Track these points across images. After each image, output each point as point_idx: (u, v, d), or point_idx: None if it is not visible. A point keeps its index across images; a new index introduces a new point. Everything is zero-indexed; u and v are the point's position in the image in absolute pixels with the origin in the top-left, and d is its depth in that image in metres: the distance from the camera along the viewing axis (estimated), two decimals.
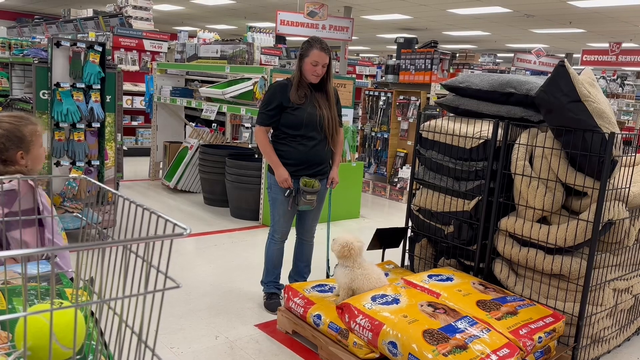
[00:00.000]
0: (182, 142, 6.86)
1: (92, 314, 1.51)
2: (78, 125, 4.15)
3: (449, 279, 3.16)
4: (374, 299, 2.82)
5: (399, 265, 3.80)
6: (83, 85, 4.13)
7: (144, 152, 8.60)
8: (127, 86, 8.98)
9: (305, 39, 3.33)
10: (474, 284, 3.10)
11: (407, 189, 6.65)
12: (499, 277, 3.24)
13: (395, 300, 2.81)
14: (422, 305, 2.77)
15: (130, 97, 8.99)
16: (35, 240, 1.90)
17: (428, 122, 3.66)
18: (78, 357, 1.16)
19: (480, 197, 3.26)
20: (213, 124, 7.56)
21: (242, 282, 3.91)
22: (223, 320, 3.28)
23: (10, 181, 1.81)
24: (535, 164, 3.06)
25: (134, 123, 9.11)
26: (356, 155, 6.10)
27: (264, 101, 3.30)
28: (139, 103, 9.06)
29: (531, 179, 3.04)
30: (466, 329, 2.61)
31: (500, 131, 3.20)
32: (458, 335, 2.54)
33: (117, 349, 1.04)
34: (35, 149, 1.97)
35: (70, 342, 0.92)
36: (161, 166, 7.18)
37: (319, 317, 2.94)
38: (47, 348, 0.92)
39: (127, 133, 9.05)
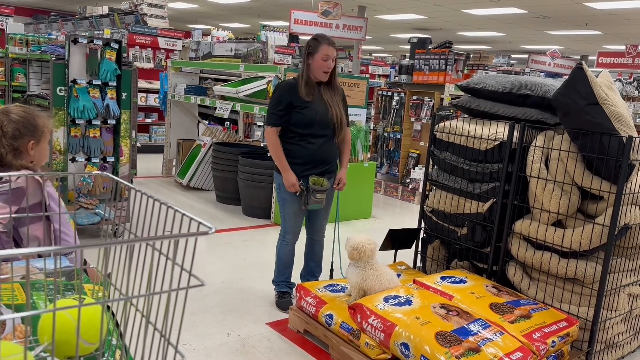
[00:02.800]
0: (195, 140, 6.89)
1: (108, 308, 1.53)
2: (94, 122, 4.19)
3: (462, 281, 3.14)
4: (386, 299, 2.82)
5: (411, 267, 3.79)
6: (99, 82, 4.16)
7: (158, 149, 8.65)
8: (142, 83, 9.03)
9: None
10: (487, 286, 3.09)
11: (419, 190, 6.63)
12: (513, 280, 3.22)
13: (408, 302, 2.80)
14: (434, 307, 2.76)
15: (144, 95, 9.05)
16: (44, 233, 1.92)
17: (442, 123, 3.65)
18: (96, 352, 1.17)
19: (494, 199, 3.25)
20: (226, 122, 7.59)
21: (253, 280, 3.92)
22: (235, 318, 3.29)
23: (18, 179, 1.83)
24: (551, 166, 3.04)
25: (148, 120, 9.16)
26: (368, 156, 6.09)
27: (273, 101, 3.27)
28: (152, 100, 9.11)
29: (547, 182, 3.01)
30: (479, 331, 2.60)
31: (516, 133, 3.18)
32: (471, 338, 2.53)
33: (141, 346, 1.05)
34: (44, 142, 1.98)
35: (91, 337, 0.93)
36: (174, 163, 7.21)
37: (330, 316, 2.94)
38: (69, 342, 0.93)
39: (141, 130, 9.10)
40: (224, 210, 5.81)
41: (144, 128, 9.13)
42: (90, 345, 0.95)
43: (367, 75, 6.18)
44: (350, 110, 5.89)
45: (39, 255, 1.97)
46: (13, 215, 1.84)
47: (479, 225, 3.37)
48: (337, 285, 3.29)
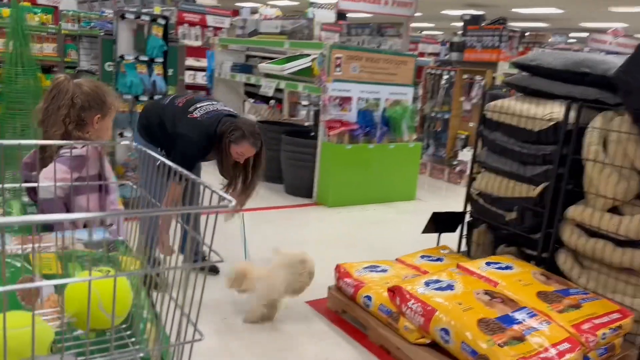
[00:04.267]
0: None
1: (145, 283, 1.52)
2: (141, 98, 4.24)
3: (508, 267, 3.02)
4: (427, 283, 2.74)
5: (455, 251, 3.67)
6: (146, 58, 4.20)
7: None
8: (190, 61, 9.10)
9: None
10: (535, 274, 2.95)
11: (467, 173, 6.43)
12: (563, 268, 3.07)
13: (450, 286, 2.71)
14: (478, 293, 2.66)
15: (192, 73, 9.13)
16: (97, 207, 1.94)
17: (494, 102, 3.49)
18: (124, 325, 1.16)
19: (547, 184, 3.09)
20: (271, 101, 7.57)
21: None
22: None
23: (83, 147, 1.85)
24: (610, 149, 2.85)
25: None
26: (414, 136, 5.95)
27: (190, 152, 3.01)
28: (200, 78, 9.18)
29: (604, 166, 2.83)
30: (524, 320, 2.49)
31: (572, 113, 2.99)
32: (515, 327, 2.42)
33: (164, 319, 1.02)
34: (109, 119, 2.00)
35: (116, 310, 0.91)
36: None
37: (369, 298, 2.89)
38: (92, 314, 0.91)
39: None
40: (266, 189, 5.81)
41: None
42: (113, 318, 0.93)
43: (416, 53, 5.99)
44: (396, 89, 5.78)
45: (85, 226, 2.00)
46: (74, 184, 1.86)
47: (529, 210, 3.21)
48: (378, 266, 3.22)
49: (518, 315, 2.51)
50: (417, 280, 2.79)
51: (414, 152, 5.86)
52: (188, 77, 9.08)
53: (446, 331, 2.47)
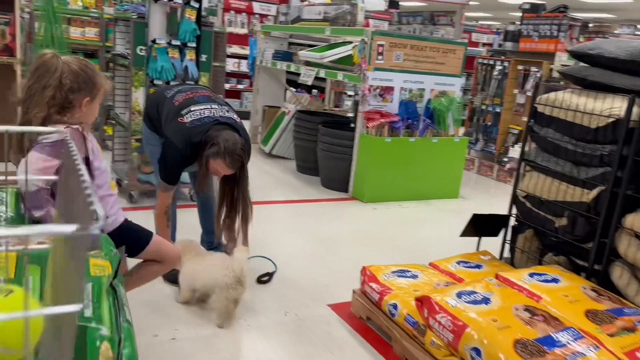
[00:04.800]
0: (280, 107, 6.74)
1: (113, 288, 1.34)
2: (172, 83, 4.11)
3: (554, 280, 2.69)
4: (459, 295, 2.46)
5: (497, 257, 3.36)
6: (179, 43, 4.06)
7: (248, 115, 8.64)
8: (235, 49, 9.04)
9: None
10: (584, 288, 2.62)
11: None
12: (617, 284, 2.72)
13: (485, 300, 2.43)
14: (517, 309, 2.37)
15: (237, 61, 9.05)
16: None
17: (546, 95, 3.14)
18: None
19: (603, 187, 2.73)
20: (313, 90, 7.35)
21: (321, 256, 3.70)
22: (295, 296, 3.09)
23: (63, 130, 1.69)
24: None
25: (240, 86, 9.17)
26: (462, 130, 5.59)
27: (172, 159, 2.75)
28: (245, 67, 9.09)
29: None
30: (569, 343, 2.18)
31: (635, 109, 2.63)
32: (558, 350, 2.12)
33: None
34: (97, 101, 1.85)
35: (12, 343, 0.72)
36: (260, 130, 7.14)
37: (394, 306, 2.64)
38: None
39: (232, 96, 9.15)
40: (302, 181, 5.62)
41: (235, 94, 9.17)
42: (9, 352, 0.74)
43: (466, 41, 5.61)
44: (443, 79, 5.44)
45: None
46: (50, 178, 1.71)
47: (581, 216, 2.87)
48: (408, 271, 2.96)
49: (562, 337, 2.20)
50: (448, 291, 2.52)
51: (460, 147, 5.51)
52: (232, 65, 9.02)
53: (477, 351, 2.19)
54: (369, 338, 2.73)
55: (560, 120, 3.00)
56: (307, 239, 4.01)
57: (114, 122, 4.59)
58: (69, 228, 0.58)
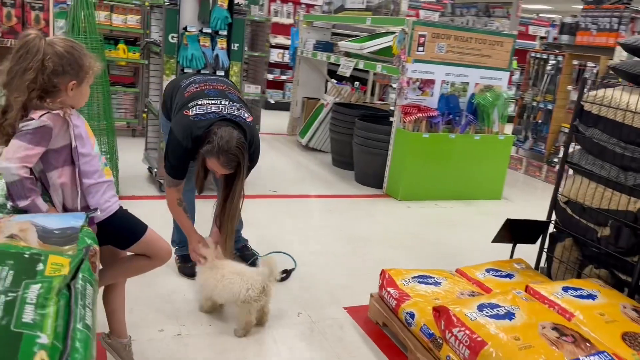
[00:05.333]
0: (320, 99, 6.60)
1: (69, 287, 1.25)
2: (203, 72, 4.05)
3: (591, 296, 2.44)
4: (481, 308, 2.26)
5: (532, 267, 3.10)
6: (210, 31, 3.99)
7: (289, 106, 8.56)
8: (280, 39, 8.96)
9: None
10: (624, 307, 2.35)
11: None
12: None
13: (509, 315, 2.21)
14: (543, 327, 2.14)
15: (282, 51, 8.97)
16: (71, 180, 1.72)
17: (594, 92, 2.86)
18: None
19: None
20: (355, 82, 7.16)
21: (344, 255, 3.55)
22: (312, 296, 2.96)
23: (41, 116, 1.62)
24: None
25: (283, 77, 9.09)
26: (511, 127, 5.28)
27: (173, 152, 2.63)
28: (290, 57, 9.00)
29: None
30: None
31: None
32: None
33: None
34: (87, 84, 1.75)
35: None
36: (300, 122, 7.03)
37: (412, 315, 2.46)
38: None
39: (275, 87, 9.09)
40: (336, 175, 5.47)
41: (278, 85, 9.10)
42: None
43: (516, 33, 5.26)
44: (490, 73, 5.14)
45: (66, 209, 1.78)
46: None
47: (626, 226, 2.59)
48: (430, 277, 2.77)
49: None
50: (469, 302, 2.31)
51: (505, 145, 5.20)
52: (277, 56, 8.95)
53: None
54: (383, 346, 2.57)
55: (608, 120, 2.72)
56: (333, 237, 3.87)
57: (146, 109, 4.58)
58: None
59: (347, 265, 3.41)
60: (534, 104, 6.54)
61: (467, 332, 2.14)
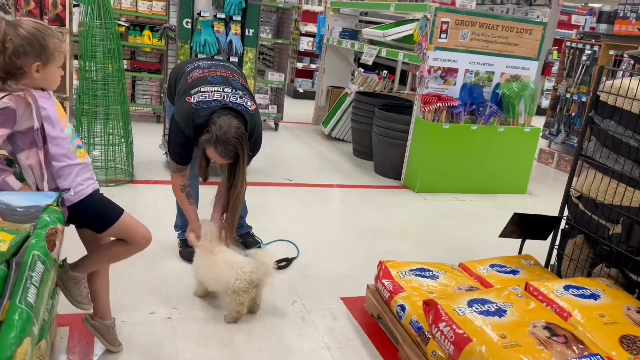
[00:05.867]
0: (344, 88, 6.52)
1: (8, 264, 1.25)
2: (216, 57, 4.05)
3: (593, 295, 2.31)
4: (471, 303, 2.17)
5: (542, 264, 2.97)
6: (224, 16, 3.98)
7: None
8: (311, 27, 8.90)
9: None
10: (628, 309, 2.22)
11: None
12: None
13: (500, 312, 2.12)
14: (534, 326, 2.04)
15: (312, 39, 8.91)
16: (38, 163, 1.72)
17: (611, 81, 2.70)
18: None
19: None
20: (383, 71, 7.04)
21: (351, 246, 3.49)
22: (309, 285, 2.92)
23: (1, 98, 1.63)
24: None
25: (313, 66, 9.04)
26: (542, 120, 5.07)
27: (174, 139, 2.60)
28: None
29: None
30: None
31: None
32: None
33: None
34: (54, 65, 1.74)
35: None
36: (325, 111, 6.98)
37: (402, 308, 2.40)
38: None
39: (304, 75, 9.06)
40: (356, 165, 5.40)
41: (308, 73, 9.06)
42: None
43: (545, 21, 5.03)
44: (517, 62, 4.95)
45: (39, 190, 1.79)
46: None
47: (638, 224, 2.44)
48: (429, 270, 2.68)
49: None
50: (459, 297, 2.23)
51: (531, 138, 5.00)
52: (307, 44, 8.90)
53: None
54: (375, 339, 2.51)
55: (624, 111, 2.56)
56: (342, 227, 3.82)
57: (163, 95, 4.63)
58: None
59: (352, 256, 3.35)
60: (568, 95, 6.27)
61: (454, 327, 2.06)
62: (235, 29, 4.02)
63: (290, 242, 3.33)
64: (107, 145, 3.94)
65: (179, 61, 4.08)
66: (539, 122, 6.53)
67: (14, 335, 1.13)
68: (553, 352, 1.90)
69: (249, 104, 2.59)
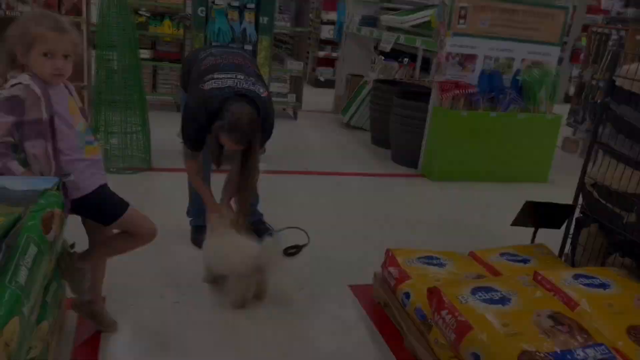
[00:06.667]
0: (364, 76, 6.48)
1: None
2: (230, 45, 4.07)
3: (603, 285, 2.26)
4: (474, 291, 2.14)
5: (555, 253, 2.91)
6: (238, 4, 3.99)
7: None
8: (332, 15, 8.84)
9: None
10: (639, 299, 2.16)
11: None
12: None
13: (504, 300, 2.09)
14: (539, 315, 2.00)
15: (333, 27, 8.85)
16: (44, 155, 1.76)
17: (627, 66, 2.61)
18: None
19: None
20: (404, 59, 6.95)
21: (363, 234, 3.48)
22: (319, 272, 2.93)
23: (12, 87, 1.67)
24: None
25: (334, 54, 8.99)
26: (566, 108, 4.94)
27: (187, 126, 2.62)
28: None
29: None
30: None
31: None
32: None
33: None
34: (35, 52, 1.71)
35: None
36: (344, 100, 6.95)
37: (407, 295, 2.39)
38: None
39: (325, 64, 9.02)
40: (374, 154, 5.37)
41: (329, 62, 9.02)
42: None
43: (568, 6, 4.88)
44: (538, 48, 4.84)
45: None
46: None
47: None
48: (436, 258, 2.66)
49: (585, 355, 1.83)
50: (463, 285, 2.21)
51: (552, 126, 4.89)
52: (328, 32, 8.85)
53: (477, 357, 1.90)
54: (382, 327, 2.50)
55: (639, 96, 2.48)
56: (355, 215, 3.81)
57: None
58: None
59: (363, 244, 3.35)
60: (594, 82, 6.09)
61: (456, 314, 2.04)
62: (249, 17, 4.03)
63: (301, 229, 3.34)
64: (125, 133, 4.01)
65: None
66: (565, 109, 6.38)
67: (0, 314, 1.16)
68: (555, 341, 1.87)
69: (261, 90, 2.60)
